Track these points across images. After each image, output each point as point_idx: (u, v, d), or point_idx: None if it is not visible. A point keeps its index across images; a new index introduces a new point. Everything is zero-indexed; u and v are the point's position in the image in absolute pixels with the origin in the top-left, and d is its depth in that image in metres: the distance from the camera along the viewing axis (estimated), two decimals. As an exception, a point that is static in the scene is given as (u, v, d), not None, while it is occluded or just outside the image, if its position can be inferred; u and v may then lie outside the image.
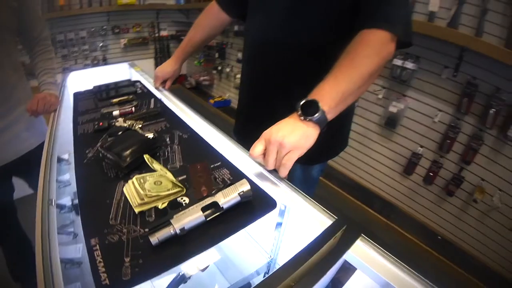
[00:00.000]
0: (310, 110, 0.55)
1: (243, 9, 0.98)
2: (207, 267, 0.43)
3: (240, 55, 2.98)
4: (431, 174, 1.79)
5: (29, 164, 1.16)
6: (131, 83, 1.20)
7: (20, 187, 1.28)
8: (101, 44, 3.34)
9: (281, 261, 0.58)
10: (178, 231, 0.37)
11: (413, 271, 0.38)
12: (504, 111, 1.52)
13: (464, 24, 1.55)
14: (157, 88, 1.13)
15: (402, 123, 1.88)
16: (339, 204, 1.98)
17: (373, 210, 1.93)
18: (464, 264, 1.64)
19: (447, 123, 1.70)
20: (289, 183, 0.55)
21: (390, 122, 1.90)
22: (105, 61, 3.42)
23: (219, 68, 3.49)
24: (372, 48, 0.62)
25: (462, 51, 1.56)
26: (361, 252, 0.40)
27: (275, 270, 0.35)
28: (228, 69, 3.36)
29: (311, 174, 1.02)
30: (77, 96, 1.09)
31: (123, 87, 1.14)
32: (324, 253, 0.38)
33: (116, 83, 1.20)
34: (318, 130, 0.55)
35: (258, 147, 0.54)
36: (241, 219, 0.43)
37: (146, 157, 0.54)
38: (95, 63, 3.32)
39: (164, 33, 3.79)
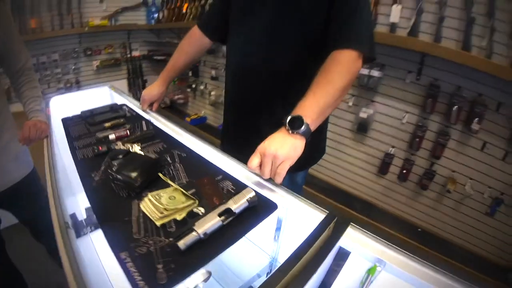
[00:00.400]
0: (296, 124, 0.64)
1: (224, 34, 1.09)
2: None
3: (213, 72, 3.06)
4: (404, 171, 1.93)
5: (16, 196, 1.17)
6: (118, 107, 1.25)
7: (5, 217, 1.25)
8: (73, 67, 3.30)
9: (282, 259, 0.65)
10: (202, 236, 0.44)
11: (398, 247, 0.47)
12: (466, 107, 1.68)
13: (424, 31, 1.71)
14: (144, 111, 1.18)
15: (373, 127, 2.03)
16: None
17: (353, 211, 2.02)
18: (446, 251, 1.76)
19: (415, 123, 1.86)
20: (284, 187, 0.63)
21: (362, 127, 2.05)
22: (78, 84, 3.37)
23: (193, 86, 3.53)
24: (343, 66, 0.74)
25: (423, 56, 1.73)
26: (352, 237, 0.49)
27: (279, 265, 0.43)
28: (202, 87, 3.42)
29: (296, 180, 1.11)
30: (66, 121, 1.13)
31: (111, 111, 1.19)
32: (322, 242, 0.46)
33: (103, 107, 1.25)
34: (304, 141, 0.65)
35: (254, 160, 0.63)
36: (251, 221, 0.51)
37: (160, 175, 0.60)
38: (68, 86, 3.27)
39: (136, 53, 3.79)
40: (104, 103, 1.58)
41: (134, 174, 0.61)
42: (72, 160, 0.82)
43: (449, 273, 0.44)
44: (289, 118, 0.65)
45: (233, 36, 1.04)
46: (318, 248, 0.46)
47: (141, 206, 0.54)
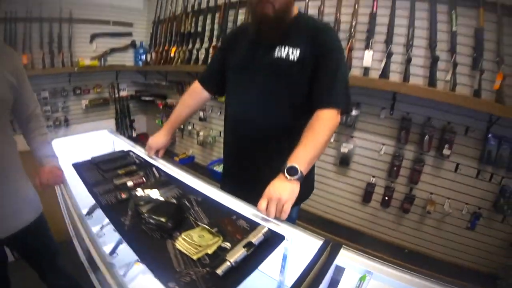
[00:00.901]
0: (292, 172, 0.85)
1: (222, 88, 1.30)
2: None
3: (201, 113, 3.25)
4: (386, 198, 2.13)
5: (26, 239, 1.21)
6: (126, 153, 1.39)
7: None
8: (62, 105, 3.42)
9: (288, 281, 0.79)
10: (233, 264, 0.59)
11: (384, 262, 0.64)
12: (437, 135, 1.92)
13: (394, 71, 1.97)
14: (151, 157, 1.33)
15: (354, 160, 2.25)
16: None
17: (341, 239, 2.14)
18: (433, 267, 1.90)
19: (392, 154, 2.08)
20: (287, 222, 0.80)
21: (344, 161, 2.26)
22: (66, 122, 3.48)
23: (181, 126, 3.65)
24: (325, 123, 0.96)
25: (394, 93, 1.97)
26: (345, 256, 0.66)
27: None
28: (190, 127, 3.57)
29: (292, 214, 1.28)
30: (78, 167, 1.24)
31: (121, 158, 1.33)
32: (322, 263, 0.62)
33: (112, 154, 1.39)
34: (299, 184, 0.85)
35: (263, 203, 0.81)
36: (266, 250, 0.67)
37: (190, 218, 0.75)
38: (57, 124, 3.37)
39: (123, 93, 3.95)
40: (104, 146, 1.72)
41: (165, 218, 0.75)
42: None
43: (429, 277, 0.61)
44: (286, 167, 0.85)
45: (231, 93, 1.25)
46: (320, 268, 0.61)
47: (177, 244, 0.68)
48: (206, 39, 3.08)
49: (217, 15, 2.97)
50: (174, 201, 0.87)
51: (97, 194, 1.00)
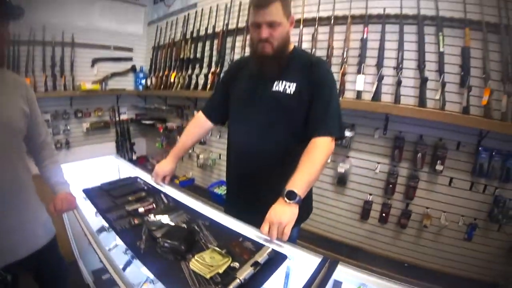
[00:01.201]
0: (291, 196, 0.94)
1: (224, 118, 1.42)
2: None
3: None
4: (384, 214, 2.21)
5: (38, 261, 1.24)
6: (134, 180, 1.49)
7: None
8: (64, 128, 3.53)
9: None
10: (242, 281, 0.67)
11: (378, 275, 0.73)
12: (429, 151, 2.03)
13: (386, 92, 2.09)
14: (157, 183, 1.43)
15: (351, 179, 2.35)
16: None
17: (341, 256, 2.19)
18: (433, 279, 1.96)
19: (387, 172, 2.18)
20: (288, 242, 0.89)
21: (341, 180, 2.36)
22: (68, 145, 3.57)
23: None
24: (321, 149, 1.07)
25: (387, 114, 2.08)
26: (342, 271, 0.74)
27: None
28: (190, 150, 3.59)
29: (292, 235, 1.37)
30: (88, 193, 1.34)
31: (129, 184, 1.42)
32: (321, 278, 0.71)
33: (121, 180, 1.48)
34: (298, 207, 0.94)
35: (266, 227, 0.90)
36: (271, 268, 0.76)
37: (200, 241, 0.84)
38: (59, 146, 3.45)
39: (124, 116, 4.10)
40: (110, 171, 1.81)
41: (178, 242, 0.84)
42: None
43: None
44: (286, 192, 0.95)
45: (233, 123, 1.37)
46: (319, 283, 0.70)
47: (191, 265, 0.77)
48: (205, 65, 3.22)
49: (215, 41, 3.12)
50: (184, 225, 0.96)
51: (111, 220, 1.09)
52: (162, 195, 1.29)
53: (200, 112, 1.50)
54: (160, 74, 3.73)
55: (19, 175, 1.17)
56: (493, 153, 1.89)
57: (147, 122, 4.02)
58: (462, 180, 1.99)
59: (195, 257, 0.78)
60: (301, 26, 2.41)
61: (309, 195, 1.31)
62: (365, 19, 2.18)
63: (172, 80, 3.50)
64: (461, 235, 2.01)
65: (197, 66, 3.31)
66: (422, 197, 2.11)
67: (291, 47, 1.27)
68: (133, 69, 4.07)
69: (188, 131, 1.51)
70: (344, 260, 0.77)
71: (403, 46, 2.06)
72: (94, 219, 1.21)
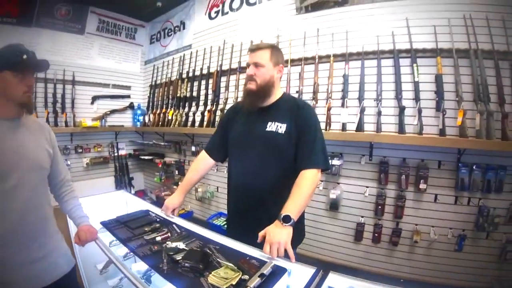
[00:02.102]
0: (286, 219, 1.16)
1: (225, 156, 1.66)
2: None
3: None
4: (376, 234, 2.41)
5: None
6: (146, 213, 1.67)
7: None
8: (64, 163, 3.68)
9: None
10: (253, 288, 0.88)
11: (360, 279, 0.93)
12: (413, 172, 2.27)
13: (368, 122, 2.36)
14: (168, 215, 1.62)
15: (343, 204, 2.57)
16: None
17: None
18: None
19: (375, 194, 2.41)
20: (285, 258, 1.09)
21: (333, 206, 2.59)
22: (68, 180, 3.72)
23: (179, 183, 3.90)
24: (309, 180, 1.31)
25: (371, 142, 2.35)
26: (334, 278, 0.95)
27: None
28: None
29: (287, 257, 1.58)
30: (107, 225, 1.50)
31: (143, 217, 1.61)
32: (316, 284, 0.91)
33: (134, 214, 1.66)
34: (292, 229, 1.16)
35: (267, 247, 1.11)
36: (275, 278, 0.95)
37: (213, 261, 1.04)
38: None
39: (122, 152, 4.32)
40: (119, 205, 1.99)
41: (197, 262, 1.03)
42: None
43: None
44: (282, 216, 1.17)
45: (232, 160, 1.62)
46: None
47: (209, 279, 0.96)
48: (201, 103, 3.49)
49: (210, 81, 3.42)
50: (198, 249, 1.16)
51: (133, 248, 1.27)
52: (174, 226, 1.48)
53: (204, 151, 1.73)
54: (158, 111, 3.99)
55: (45, 210, 1.33)
56: (473, 168, 2.13)
57: (146, 157, 4.22)
58: (446, 195, 2.22)
59: (212, 273, 0.97)
60: (289, 66, 2.71)
61: (301, 220, 1.52)
62: (345, 57, 2.49)
63: (170, 117, 3.74)
64: (451, 246, 2.22)
65: (194, 104, 3.58)
66: (410, 215, 2.33)
67: (281, 92, 1.54)
68: (131, 106, 4.34)
69: (194, 168, 1.73)
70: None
71: (381, 79, 2.36)
72: (101, 252, 1.37)
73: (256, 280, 0.90)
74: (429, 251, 2.29)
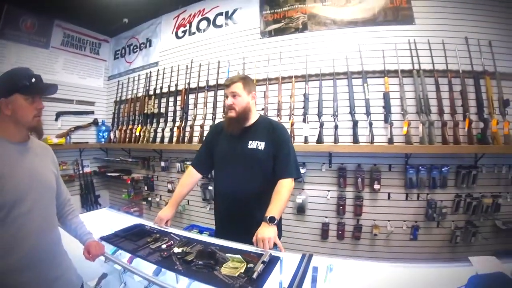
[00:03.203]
0: (271, 220, 1.50)
1: (210, 170, 1.97)
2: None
3: (170, 186, 3.75)
4: (340, 232, 2.82)
5: None
6: (140, 226, 1.86)
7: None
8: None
9: (286, 280, 1.37)
10: (259, 271, 1.17)
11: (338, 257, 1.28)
12: (367, 176, 2.70)
13: (327, 134, 2.76)
14: (161, 227, 1.85)
15: (308, 207, 2.95)
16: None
17: None
18: None
19: (336, 196, 2.82)
20: (277, 250, 1.42)
21: (300, 209, 2.96)
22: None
23: (149, 199, 4.07)
24: (286, 187, 1.67)
25: (330, 152, 2.75)
26: (317, 260, 1.29)
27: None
28: (157, 199, 3.98)
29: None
30: (108, 240, 1.63)
31: (140, 230, 1.80)
32: (304, 265, 1.24)
33: (130, 228, 1.83)
34: (276, 227, 1.50)
35: (260, 243, 1.44)
36: (272, 265, 1.27)
37: (228, 255, 1.32)
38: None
39: (87, 169, 4.32)
40: (101, 223, 2.10)
41: (208, 259, 1.31)
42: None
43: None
44: (268, 217, 1.51)
45: (218, 174, 1.94)
46: (303, 269, 1.23)
47: (222, 271, 1.25)
48: (169, 119, 3.69)
49: (178, 98, 3.63)
50: (206, 250, 1.44)
51: (144, 256, 1.46)
52: (172, 234, 1.73)
53: (190, 166, 2.01)
54: (124, 127, 4.09)
55: (57, 229, 1.42)
56: (419, 168, 2.61)
57: (113, 174, 4.28)
58: (398, 193, 2.69)
59: (223, 266, 1.27)
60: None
61: (279, 222, 1.87)
62: (306, 78, 2.90)
63: (137, 133, 3.87)
64: (407, 236, 2.67)
65: (162, 120, 3.76)
66: (368, 212, 2.76)
67: (257, 115, 1.88)
68: (95, 122, 4.39)
69: (183, 182, 2.00)
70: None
71: (337, 97, 2.79)
72: (93, 270, 1.55)
73: (260, 266, 1.21)
74: (388, 242, 2.74)
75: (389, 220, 2.70)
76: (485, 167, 2.57)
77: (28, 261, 1.22)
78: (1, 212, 1.17)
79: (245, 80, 1.85)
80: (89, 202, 4.22)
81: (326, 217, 2.89)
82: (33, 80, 1.26)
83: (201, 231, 3.24)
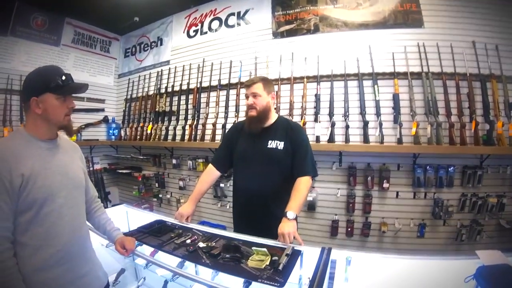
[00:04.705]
0: (290, 215, 1.61)
1: (229, 168, 2.08)
2: None
3: (181, 183, 3.87)
4: (349, 229, 2.93)
5: None
6: (161, 222, 1.96)
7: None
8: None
9: (306, 274, 1.49)
10: (284, 263, 1.29)
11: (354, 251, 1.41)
12: (377, 174, 2.80)
13: (338, 134, 2.86)
14: (182, 223, 1.96)
15: (318, 205, 3.06)
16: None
17: None
18: None
19: (346, 194, 2.93)
20: (299, 244, 1.54)
21: (311, 207, 3.06)
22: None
23: (160, 195, 4.18)
24: (304, 184, 1.78)
25: (340, 151, 2.86)
26: (335, 254, 1.41)
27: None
28: (168, 196, 4.09)
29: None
30: (133, 235, 1.66)
31: (163, 226, 1.89)
32: (324, 259, 1.36)
33: (152, 223, 1.93)
34: (296, 222, 1.62)
35: (281, 237, 1.55)
36: (295, 257, 1.38)
37: (254, 249, 1.44)
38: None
39: (97, 166, 4.44)
40: (119, 219, 2.19)
41: (235, 253, 1.43)
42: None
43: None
44: (287, 213, 1.62)
45: (238, 172, 2.04)
46: (323, 262, 1.35)
47: (248, 263, 1.37)
48: (181, 117, 3.79)
49: (190, 97, 3.73)
50: (231, 244, 1.56)
51: (170, 251, 1.55)
52: (194, 230, 1.84)
53: (210, 164, 2.13)
54: (135, 125, 4.20)
55: (86, 226, 1.48)
56: (427, 168, 2.72)
57: (124, 171, 4.39)
58: (406, 192, 2.80)
59: (249, 259, 1.39)
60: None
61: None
62: (317, 78, 3.00)
63: (149, 131, 3.97)
64: (414, 234, 2.78)
65: (173, 118, 3.85)
66: (377, 210, 2.87)
67: (276, 116, 1.99)
68: (105, 120, 4.49)
69: (202, 179, 2.11)
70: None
71: (348, 98, 2.89)
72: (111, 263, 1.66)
73: (284, 259, 1.33)
74: (395, 239, 2.85)
75: (397, 218, 2.81)
76: (490, 167, 2.68)
77: (60, 257, 1.25)
78: (33, 209, 1.20)
79: (265, 81, 1.96)
80: (100, 198, 4.29)
81: (335, 215, 3.00)
82: (65, 79, 1.27)
83: (212, 227, 3.34)
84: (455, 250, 2.73)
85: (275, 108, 2.97)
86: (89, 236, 1.49)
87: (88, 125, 4.33)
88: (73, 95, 1.36)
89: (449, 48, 2.72)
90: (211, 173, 2.12)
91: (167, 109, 3.94)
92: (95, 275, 1.45)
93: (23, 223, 1.19)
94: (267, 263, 1.36)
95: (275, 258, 1.37)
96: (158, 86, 4.12)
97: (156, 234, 1.75)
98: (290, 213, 1.64)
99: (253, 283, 1.23)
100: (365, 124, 2.82)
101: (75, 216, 1.37)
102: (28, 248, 1.20)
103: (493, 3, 2.74)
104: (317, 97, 2.99)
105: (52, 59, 4.00)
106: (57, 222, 1.26)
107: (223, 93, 3.52)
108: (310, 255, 1.44)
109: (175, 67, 4.00)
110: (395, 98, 2.78)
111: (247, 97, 1.95)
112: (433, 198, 2.76)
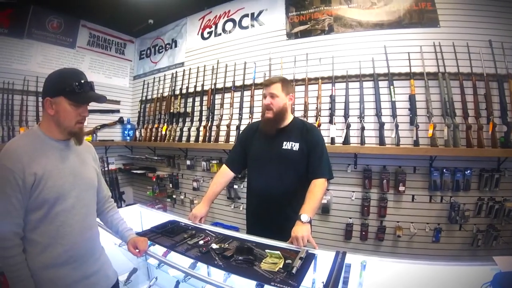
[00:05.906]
0: (305, 218, 1.59)
1: (243, 169, 2.07)
2: None
3: (195, 184, 3.90)
4: (363, 233, 2.88)
5: None
6: (175, 222, 1.98)
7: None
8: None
9: (320, 278, 1.48)
10: (298, 267, 1.28)
11: (375, 255, 1.38)
12: (392, 177, 2.76)
13: (353, 136, 2.84)
14: (195, 223, 1.96)
15: (333, 208, 3.03)
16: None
17: None
18: None
19: (361, 198, 2.89)
20: (313, 247, 1.52)
21: (325, 209, 3.03)
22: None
23: (173, 196, 4.23)
24: (319, 187, 1.75)
25: (355, 154, 2.82)
26: (350, 258, 1.39)
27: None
28: (182, 196, 4.13)
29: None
30: (145, 235, 1.67)
31: (176, 226, 1.91)
32: (339, 263, 1.35)
33: (165, 224, 1.94)
34: (310, 225, 1.60)
35: (295, 241, 1.53)
36: (309, 261, 1.37)
37: (267, 251, 1.44)
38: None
39: (112, 166, 4.52)
40: (133, 219, 2.25)
41: (247, 255, 1.43)
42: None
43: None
44: (301, 216, 1.60)
45: (252, 173, 2.03)
46: (338, 266, 1.34)
47: (262, 266, 1.36)
48: (196, 119, 3.83)
49: (205, 98, 3.77)
50: (244, 246, 1.56)
51: (182, 252, 1.56)
52: (208, 231, 1.85)
53: (224, 165, 2.13)
54: (150, 126, 4.26)
55: (97, 225, 1.50)
56: (443, 171, 2.65)
57: (138, 171, 4.46)
58: (422, 195, 2.74)
59: (262, 262, 1.38)
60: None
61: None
62: (332, 79, 2.97)
63: (163, 132, 4.02)
64: (429, 238, 2.72)
65: (188, 120, 3.90)
66: (392, 213, 2.82)
67: (291, 117, 1.98)
68: (120, 121, 4.58)
69: (216, 181, 2.12)
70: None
71: (364, 99, 2.86)
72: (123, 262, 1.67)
73: (298, 262, 1.32)
74: (410, 244, 2.80)
75: (412, 222, 2.76)
76: (508, 170, 2.59)
77: (69, 256, 1.28)
78: (44, 208, 1.22)
79: (284, 81, 1.95)
80: (113, 198, 4.37)
81: (350, 218, 2.97)
82: (82, 86, 1.26)
83: (225, 229, 3.36)
84: (470, 256, 2.66)
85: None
86: (99, 236, 1.51)
87: (103, 126, 4.43)
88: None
89: (465, 48, 2.65)
90: (225, 174, 2.12)
91: (182, 110, 3.98)
92: (104, 274, 1.47)
93: (33, 221, 1.22)
94: (281, 266, 1.35)
95: (289, 261, 1.36)
96: (173, 87, 4.18)
97: (169, 235, 1.76)
98: (304, 216, 1.62)
99: (266, 286, 1.23)
100: (381, 125, 2.78)
101: (86, 216, 1.38)
102: (38, 245, 1.23)
103: (510, 0, 2.66)
104: (332, 98, 2.96)
105: (68, 61, 4.11)
106: (67, 221, 1.28)
107: (237, 94, 3.54)
108: (324, 259, 1.43)
109: (190, 69, 4.04)
110: (412, 99, 2.73)
111: (264, 96, 1.94)
112: (449, 202, 2.69)
